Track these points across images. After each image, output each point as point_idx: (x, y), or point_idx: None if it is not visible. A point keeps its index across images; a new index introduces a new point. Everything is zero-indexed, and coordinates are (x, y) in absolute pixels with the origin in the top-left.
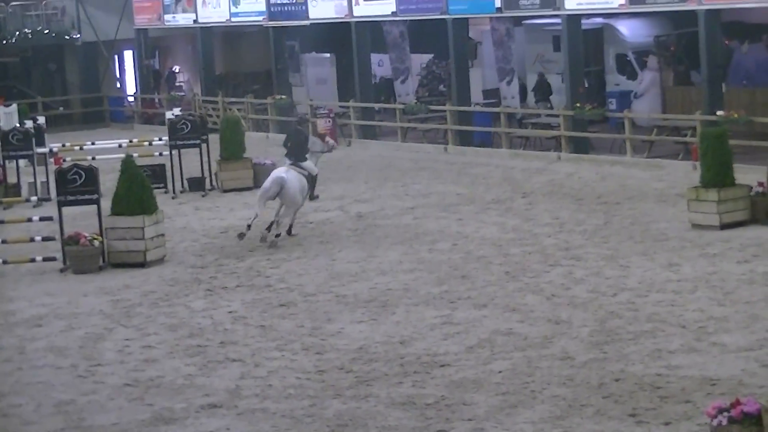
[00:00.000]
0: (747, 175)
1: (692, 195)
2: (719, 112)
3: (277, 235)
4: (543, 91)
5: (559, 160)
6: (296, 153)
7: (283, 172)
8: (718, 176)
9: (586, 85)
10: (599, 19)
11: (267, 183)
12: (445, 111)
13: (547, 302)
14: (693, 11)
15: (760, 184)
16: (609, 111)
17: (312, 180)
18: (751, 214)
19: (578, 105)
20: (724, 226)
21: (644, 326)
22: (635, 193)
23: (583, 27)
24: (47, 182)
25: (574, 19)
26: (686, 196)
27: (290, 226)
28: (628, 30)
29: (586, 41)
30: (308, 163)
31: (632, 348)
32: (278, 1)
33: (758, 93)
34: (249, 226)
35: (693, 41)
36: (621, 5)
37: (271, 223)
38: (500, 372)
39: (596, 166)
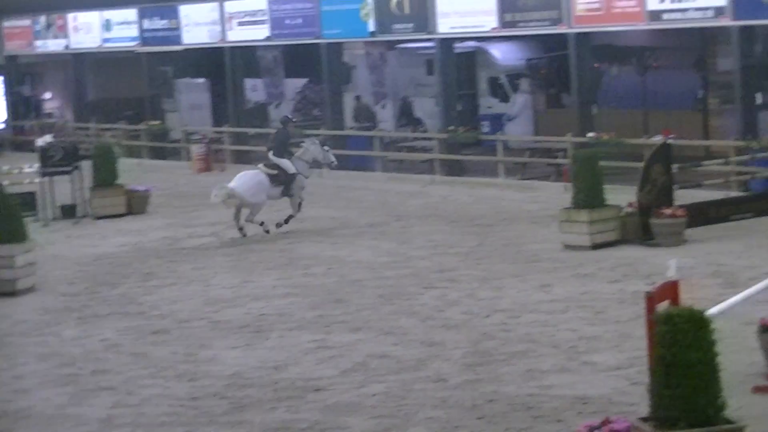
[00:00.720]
0: (618, 195)
1: (564, 216)
2: (590, 134)
3: (241, 229)
4: (407, 115)
5: (433, 183)
6: (277, 149)
7: (235, 180)
8: (589, 197)
9: (459, 108)
10: (472, 43)
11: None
12: (319, 135)
13: (421, 325)
14: (564, 35)
15: (630, 204)
16: (482, 134)
17: (289, 178)
18: (621, 234)
19: (451, 128)
20: (595, 247)
21: (517, 347)
22: (508, 215)
23: (456, 51)
24: None
25: (446, 42)
26: (558, 217)
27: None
28: (501, 53)
29: (459, 65)
30: (284, 161)
31: (505, 369)
32: (151, 27)
33: (628, 115)
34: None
35: (564, 64)
36: (493, 29)
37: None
38: (374, 395)
39: (470, 188)
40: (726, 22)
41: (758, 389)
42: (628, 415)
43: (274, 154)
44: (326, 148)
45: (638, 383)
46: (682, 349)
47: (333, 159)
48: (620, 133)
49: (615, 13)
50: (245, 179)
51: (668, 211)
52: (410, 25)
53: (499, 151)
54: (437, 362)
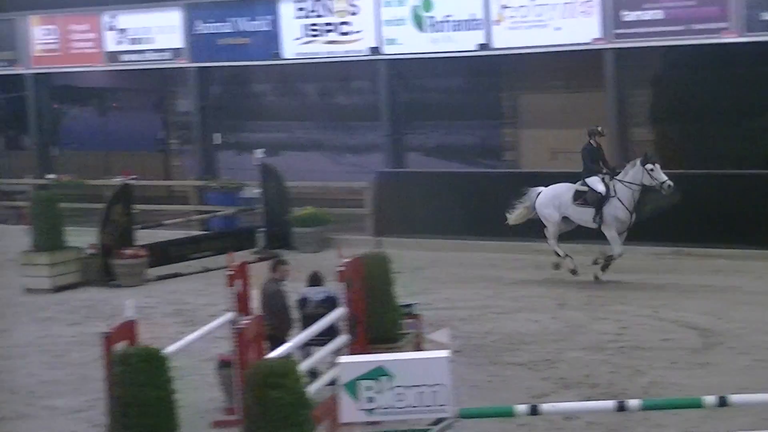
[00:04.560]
0: (79, 237)
1: (24, 259)
2: (50, 176)
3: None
4: None
5: None
6: (586, 168)
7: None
8: (49, 239)
9: None
10: None
11: None
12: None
13: None
14: (21, 75)
15: (92, 246)
16: None
17: (598, 199)
18: (83, 276)
19: None
20: (57, 289)
21: None
22: None
23: None
24: None
25: None
26: (19, 260)
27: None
28: None
29: None
30: (592, 179)
31: None
32: None
33: (89, 156)
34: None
35: (23, 105)
36: None
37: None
38: None
39: None
40: (184, 63)
41: (218, 424)
42: None
43: (584, 173)
44: (650, 166)
45: (99, 425)
46: (138, 388)
47: (664, 178)
48: (82, 174)
49: (73, 54)
50: (549, 189)
51: (129, 252)
52: None
53: None
54: None
